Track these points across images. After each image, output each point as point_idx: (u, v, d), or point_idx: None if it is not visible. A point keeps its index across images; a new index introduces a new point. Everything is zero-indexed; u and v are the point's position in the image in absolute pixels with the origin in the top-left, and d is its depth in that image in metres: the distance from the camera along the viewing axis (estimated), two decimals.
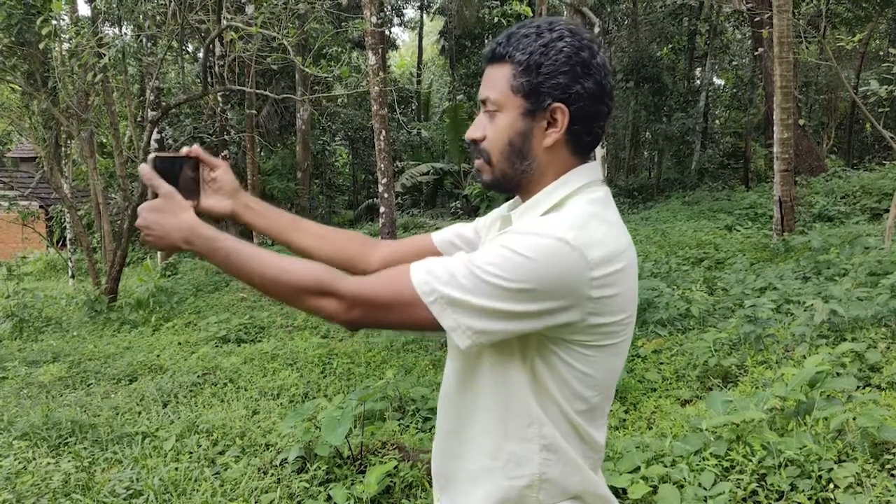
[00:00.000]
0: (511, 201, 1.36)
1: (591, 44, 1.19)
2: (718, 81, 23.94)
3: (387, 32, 23.55)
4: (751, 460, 2.93)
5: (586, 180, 1.22)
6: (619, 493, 2.87)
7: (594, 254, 1.09)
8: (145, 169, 1.28)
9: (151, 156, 1.32)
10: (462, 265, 1.11)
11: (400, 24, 27.32)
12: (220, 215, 1.47)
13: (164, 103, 11.54)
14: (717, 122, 24.19)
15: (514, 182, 1.25)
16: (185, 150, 1.40)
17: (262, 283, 1.19)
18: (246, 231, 14.20)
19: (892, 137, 8.16)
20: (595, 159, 1.29)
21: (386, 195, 9.46)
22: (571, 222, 1.11)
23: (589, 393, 1.20)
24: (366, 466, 3.50)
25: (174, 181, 1.32)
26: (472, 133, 1.25)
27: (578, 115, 1.18)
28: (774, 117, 9.55)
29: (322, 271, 1.17)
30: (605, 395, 1.24)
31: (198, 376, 5.65)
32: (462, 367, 1.26)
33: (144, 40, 11.68)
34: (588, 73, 1.16)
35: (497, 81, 1.20)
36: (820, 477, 2.76)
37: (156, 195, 1.26)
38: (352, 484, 3.34)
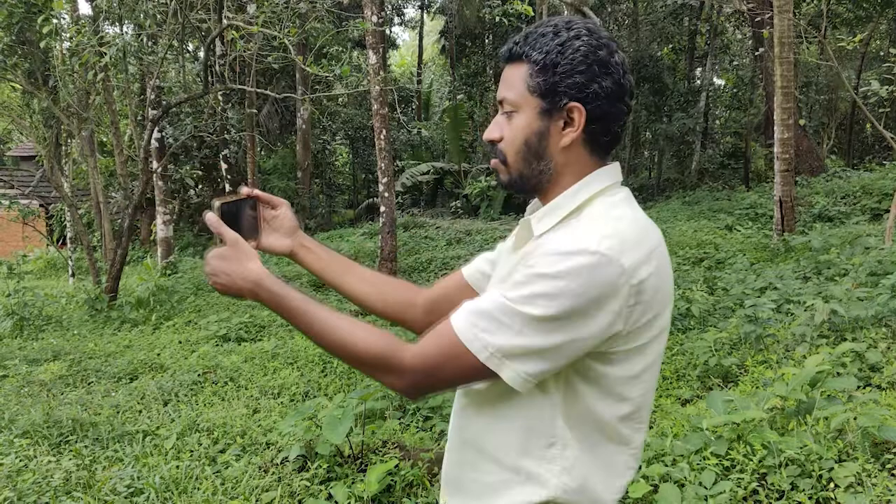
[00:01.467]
0: (530, 206, 1.34)
1: (610, 42, 1.17)
2: (719, 81, 23.93)
3: (387, 32, 23.55)
4: (751, 459, 2.93)
5: (607, 182, 1.21)
6: None
7: (629, 261, 1.07)
8: (212, 217, 1.28)
9: (216, 203, 1.32)
10: (501, 306, 1.09)
11: (400, 24, 27.35)
12: (278, 254, 1.47)
13: (164, 102, 11.54)
14: (717, 122, 24.18)
15: (531, 183, 1.23)
16: (244, 190, 1.40)
17: (327, 346, 1.20)
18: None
19: (892, 138, 8.16)
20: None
21: (386, 194, 9.47)
22: (601, 232, 1.09)
23: (634, 392, 1.18)
24: (366, 465, 3.50)
25: (236, 223, 1.33)
26: (489, 134, 1.24)
27: (596, 114, 1.16)
28: (775, 117, 9.56)
29: (383, 346, 1.16)
30: (650, 388, 1.22)
31: (198, 375, 5.66)
32: (484, 386, 1.22)
33: (145, 39, 11.67)
34: (606, 72, 1.15)
35: (514, 81, 1.19)
36: (820, 476, 2.77)
37: (222, 241, 1.27)
38: (352, 483, 3.34)
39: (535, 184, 1.23)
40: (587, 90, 1.14)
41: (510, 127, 1.20)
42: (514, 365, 1.08)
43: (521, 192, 1.26)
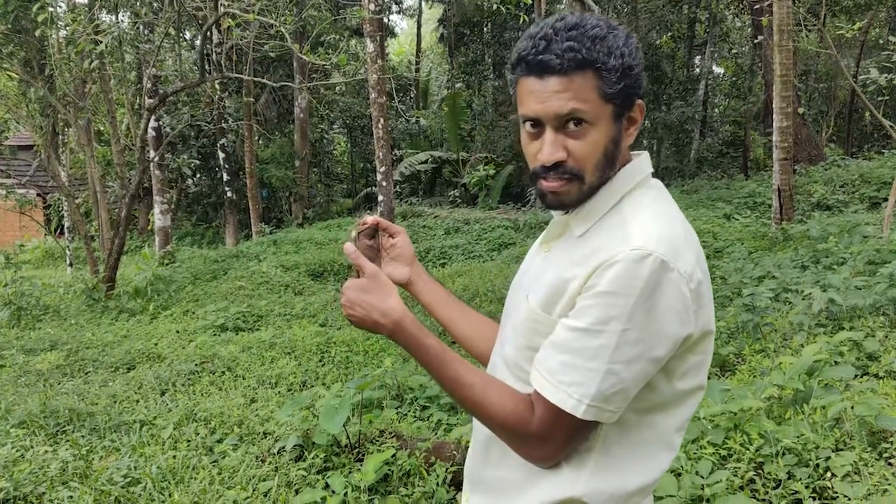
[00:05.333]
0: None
1: None
2: (718, 70, 23.89)
3: (385, 20, 23.44)
4: (748, 449, 2.93)
5: (643, 174, 1.19)
6: None
7: (683, 265, 1.05)
8: (350, 248, 1.27)
9: (354, 233, 1.32)
10: (578, 350, 1.06)
11: (398, 12, 27.16)
12: (397, 283, 1.45)
13: (161, 91, 11.49)
14: (716, 110, 24.16)
15: (594, 192, 1.16)
16: (369, 218, 1.39)
17: (457, 399, 1.19)
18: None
19: (891, 126, 8.13)
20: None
21: (384, 183, 9.44)
22: (655, 232, 1.07)
23: (695, 399, 1.18)
24: (364, 455, 3.50)
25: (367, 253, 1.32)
26: (554, 155, 1.11)
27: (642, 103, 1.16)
28: (774, 106, 9.52)
29: (511, 413, 1.14)
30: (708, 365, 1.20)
31: (196, 364, 5.65)
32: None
33: (141, 27, 11.60)
34: (641, 62, 1.14)
35: (584, 93, 1.08)
36: (817, 465, 2.76)
37: (359, 272, 1.26)
38: (349, 472, 3.34)
39: (596, 190, 1.17)
40: (643, 85, 1.14)
41: (584, 142, 1.10)
42: (608, 405, 1.07)
43: (581, 203, 1.18)
